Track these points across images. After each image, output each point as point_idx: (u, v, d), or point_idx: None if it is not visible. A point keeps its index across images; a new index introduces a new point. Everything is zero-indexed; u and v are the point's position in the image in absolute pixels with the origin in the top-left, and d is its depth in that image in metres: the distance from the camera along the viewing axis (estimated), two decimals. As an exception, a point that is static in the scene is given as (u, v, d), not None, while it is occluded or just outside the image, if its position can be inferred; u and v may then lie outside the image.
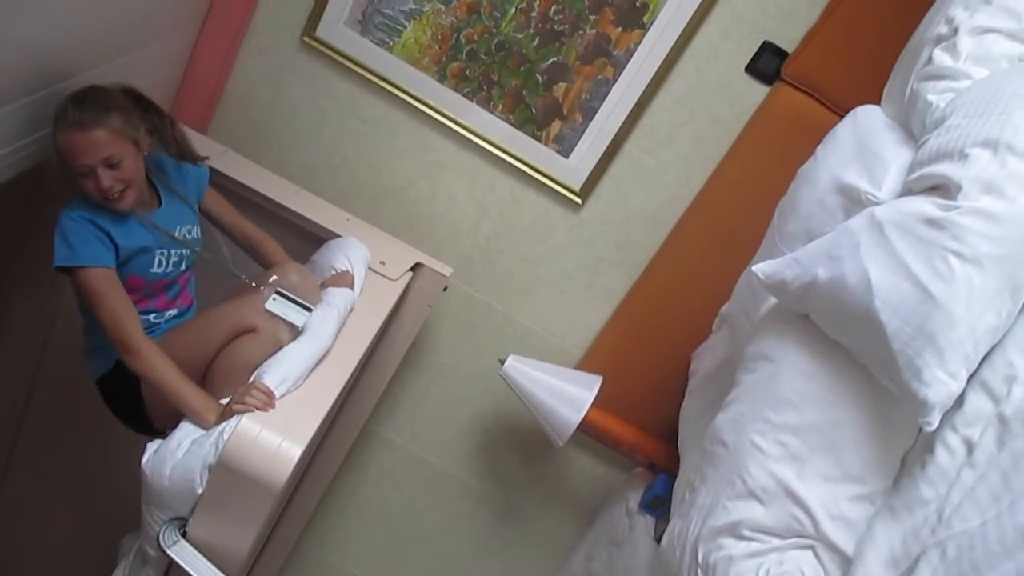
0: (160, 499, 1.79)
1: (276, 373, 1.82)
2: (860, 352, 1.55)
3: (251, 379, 1.82)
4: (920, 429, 1.51)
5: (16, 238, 2.43)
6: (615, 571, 2.44)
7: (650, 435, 2.57)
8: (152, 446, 1.81)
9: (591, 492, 2.79)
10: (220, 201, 2.11)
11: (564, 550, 2.79)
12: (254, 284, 1.99)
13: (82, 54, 1.89)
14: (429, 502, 2.89)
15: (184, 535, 1.82)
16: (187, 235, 1.99)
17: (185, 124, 2.32)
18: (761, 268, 1.71)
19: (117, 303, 1.79)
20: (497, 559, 2.92)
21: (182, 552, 1.80)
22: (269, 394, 1.78)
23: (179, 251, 1.97)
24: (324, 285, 2.06)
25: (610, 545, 2.55)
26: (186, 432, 1.79)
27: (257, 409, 1.75)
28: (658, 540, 2.27)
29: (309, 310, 1.95)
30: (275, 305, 1.94)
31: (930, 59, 1.70)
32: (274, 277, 1.96)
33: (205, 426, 1.78)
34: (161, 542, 1.79)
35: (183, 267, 1.99)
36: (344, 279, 2.09)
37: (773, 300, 1.80)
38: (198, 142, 2.29)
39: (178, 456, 1.76)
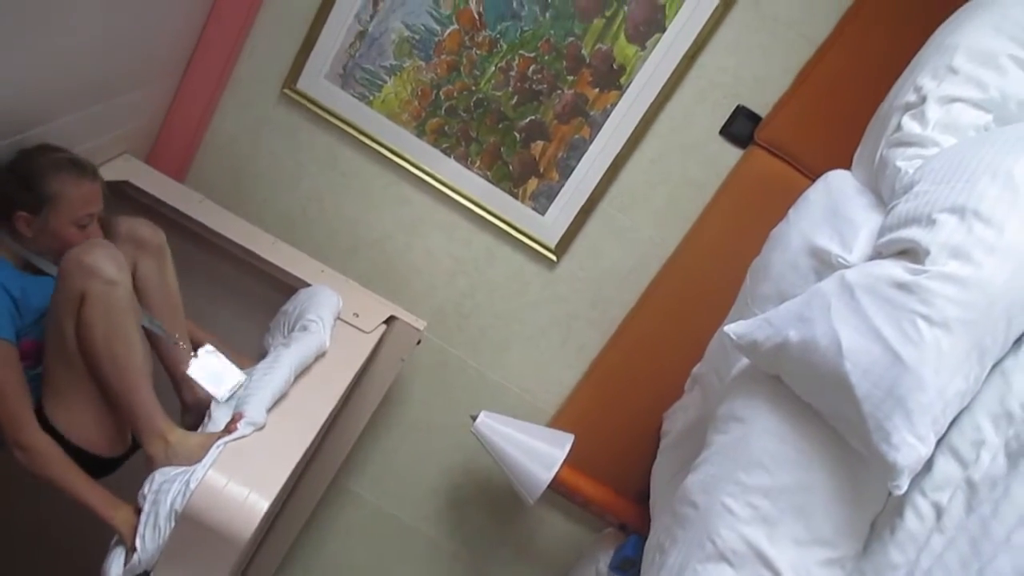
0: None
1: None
2: (831, 414, 1.55)
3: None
4: (890, 493, 1.51)
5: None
6: (584, 633, 2.40)
7: (621, 495, 2.55)
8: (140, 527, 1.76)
9: (561, 551, 2.76)
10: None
11: (534, 611, 2.76)
12: (178, 343, 1.97)
13: (61, 99, 1.90)
14: (397, 559, 2.84)
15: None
16: None
17: (163, 172, 2.34)
18: (733, 329, 1.72)
19: (13, 386, 1.71)
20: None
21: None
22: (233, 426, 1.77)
23: None
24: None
25: (580, 606, 2.52)
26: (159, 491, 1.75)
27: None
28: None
29: (237, 378, 1.91)
30: (199, 365, 1.91)
31: (899, 126, 1.74)
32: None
33: (112, 523, 1.72)
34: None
35: None
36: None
37: (745, 361, 1.81)
38: (175, 191, 2.31)
39: (154, 522, 1.72)
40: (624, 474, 2.55)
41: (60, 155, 1.78)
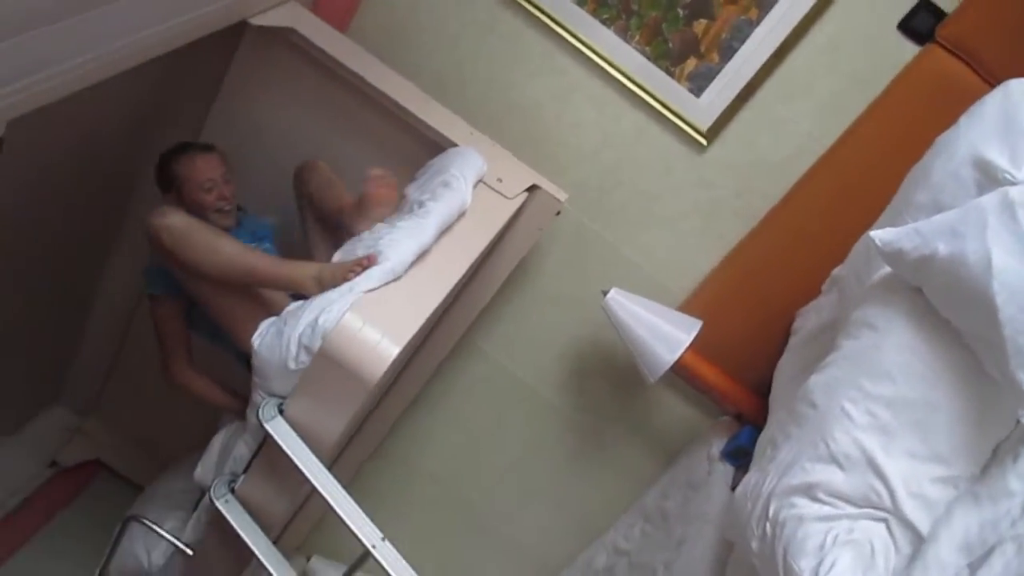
0: (262, 373, 1.90)
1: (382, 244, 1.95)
2: (969, 334, 1.50)
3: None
4: (1018, 421, 1.46)
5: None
6: (687, 513, 2.46)
7: (742, 386, 2.55)
8: (265, 322, 1.92)
9: (676, 432, 2.80)
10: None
11: (641, 484, 2.82)
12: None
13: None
14: (516, 418, 2.95)
15: (282, 413, 1.93)
16: (262, 235, 2.36)
17: (327, 21, 2.38)
18: (879, 235, 1.67)
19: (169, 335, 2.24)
20: (575, 482, 2.98)
21: (278, 427, 1.91)
22: (369, 260, 1.90)
23: (261, 244, 2.28)
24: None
25: (686, 487, 2.57)
26: (290, 312, 1.88)
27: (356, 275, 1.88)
28: (734, 490, 2.28)
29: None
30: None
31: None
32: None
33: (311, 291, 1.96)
34: (260, 415, 1.90)
35: None
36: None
37: (887, 269, 1.75)
38: (337, 41, 2.35)
39: (275, 333, 1.86)
40: (747, 365, 2.55)
41: (178, 146, 2.25)
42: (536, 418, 2.92)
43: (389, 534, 1.89)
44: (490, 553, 3.17)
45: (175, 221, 1.99)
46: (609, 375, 2.80)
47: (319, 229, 2.35)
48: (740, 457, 2.41)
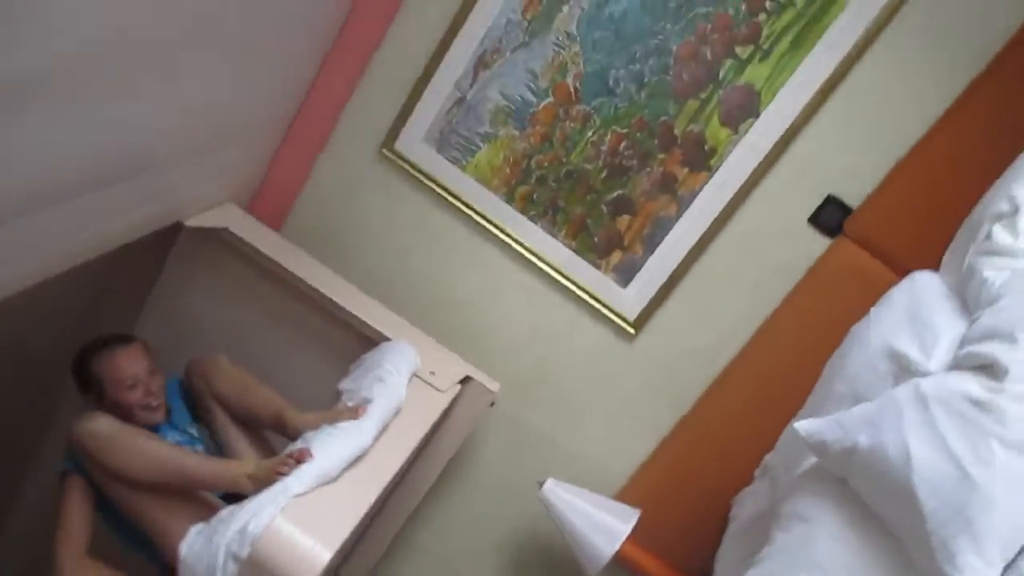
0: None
1: (319, 448, 1.90)
2: (895, 525, 1.52)
3: (293, 448, 1.91)
4: (949, 615, 1.46)
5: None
6: None
7: (682, 575, 2.51)
8: (194, 529, 1.86)
9: (618, 627, 2.72)
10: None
11: None
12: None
13: (175, 147, 2.01)
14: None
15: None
16: (195, 432, 2.25)
17: (261, 221, 2.44)
18: (803, 426, 1.70)
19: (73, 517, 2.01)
20: None
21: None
22: (303, 453, 1.86)
23: (192, 447, 2.20)
24: (335, 415, 2.08)
25: None
26: (218, 519, 1.83)
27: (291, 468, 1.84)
28: None
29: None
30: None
31: (989, 235, 1.71)
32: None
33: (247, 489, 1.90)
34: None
35: None
36: (357, 410, 2.08)
37: (815, 458, 1.78)
38: (270, 240, 2.41)
39: (204, 541, 1.80)
40: (688, 554, 2.51)
41: (95, 341, 2.15)
42: (476, 614, 2.82)
43: None
44: None
45: (100, 426, 1.93)
46: (549, 566, 2.74)
47: (233, 425, 2.25)
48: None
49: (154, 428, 2.14)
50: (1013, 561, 1.42)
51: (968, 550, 1.37)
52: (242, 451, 2.21)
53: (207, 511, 1.98)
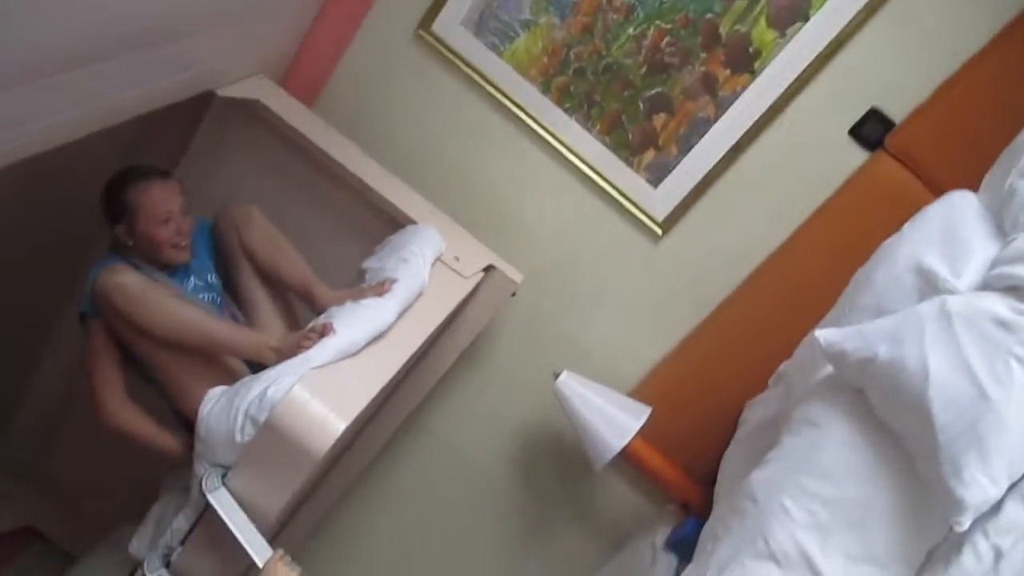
0: (207, 445, 1.87)
1: (342, 323, 1.92)
2: (906, 437, 1.53)
3: (316, 322, 1.93)
4: (951, 528, 1.49)
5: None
6: (629, 602, 2.44)
7: (689, 476, 2.56)
8: (214, 391, 1.91)
9: (621, 519, 2.79)
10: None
11: (584, 570, 2.80)
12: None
13: (204, 14, 1.97)
14: (462, 496, 2.92)
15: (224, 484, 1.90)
16: (213, 280, 2.22)
17: (293, 96, 2.42)
18: (823, 335, 1.70)
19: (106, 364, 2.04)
20: (518, 567, 2.94)
21: (220, 498, 1.88)
22: (325, 328, 1.88)
23: (210, 295, 2.17)
24: (361, 292, 2.10)
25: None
26: (240, 383, 1.87)
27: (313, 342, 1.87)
28: (678, 581, 2.27)
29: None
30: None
31: (1033, 157, 1.67)
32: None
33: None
34: (203, 486, 1.87)
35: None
36: (382, 287, 2.10)
37: (830, 368, 1.79)
38: (302, 115, 2.38)
39: (224, 404, 1.84)
40: (695, 455, 2.55)
41: (133, 170, 2.07)
42: (483, 499, 2.90)
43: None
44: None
45: (129, 281, 1.92)
46: (557, 458, 2.79)
47: (258, 283, 2.25)
48: (684, 548, 2.40)
49: (176, 269, 2.12)
50: (1018, 482, 1.44)
51: (976, 466, 1.38)
52: (266, 314, 2.22)
53: (228, 376, 2.03)
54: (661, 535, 2.51)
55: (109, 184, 2.06)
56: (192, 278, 2.17)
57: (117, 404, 2.05)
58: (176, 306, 1.96)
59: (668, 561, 2.42)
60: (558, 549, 2.89)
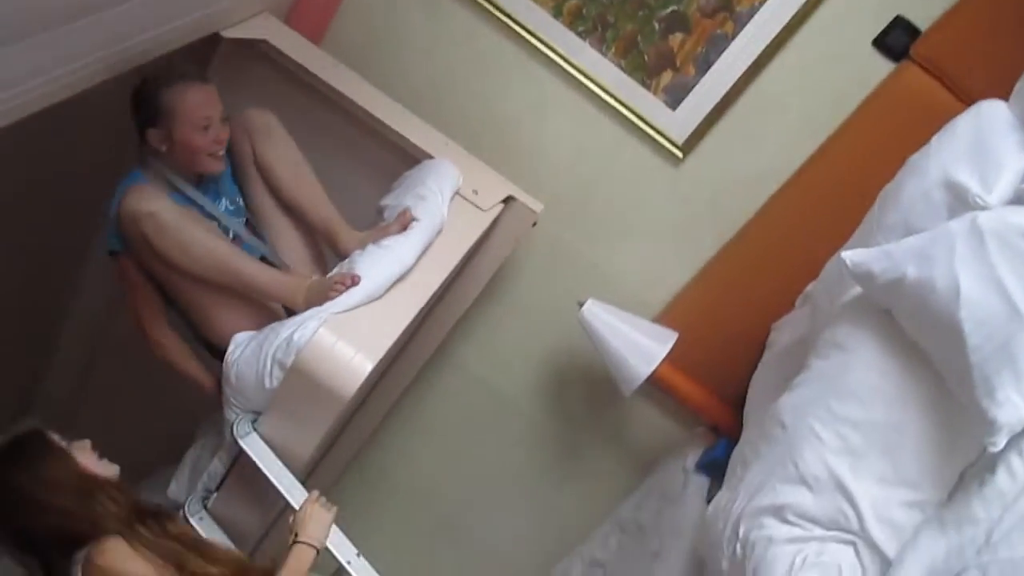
0: (236, 389, 1.89)
1: (363, 268, 1.91)
2: (937, 358, 1.51)
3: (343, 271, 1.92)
4: (984, 448, 1.47)
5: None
6: (662, 525, 2.46)
7: (717, 398, 2.56)
8: (239, 336, 1.91)
9: (651, 443, 2.81)
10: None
11: (616, 495, 2.82)
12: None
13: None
14: (492, 429, 2.95)
15: (255, 428, 1.92)
16: (240, 203, 2.14)
17: (301, 33, 2.37)
18: (850, 256, 1.67)
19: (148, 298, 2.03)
20: (551, 493, 2.98)
21: (252, 443, 1.91)
22: (353, 277, 1.87)
23: (239, 219, 2.11)
24: (383, 232, 2.07)
25: (661, 499, 2.57)
26: (267, 330, 1.88)
27: (340, 292, 1.86)
28: (710, 501, 2.28)
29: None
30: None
31: (1064, 63, 1.61)
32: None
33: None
34: (235, 431, 1.90)
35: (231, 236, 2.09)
36: (403, 219, 2.08)
37: (858, 289, 1.76)
38: (310, 53, 2.34)
39: (252, 350, 1.85)
40: (723, 378, 2.55)
41: (171, 71, 1.93)
42: (512, 429, 2.92)
43: (366, 547, 1.89)
44: (466, 564, 3.16)
45: (162, 211, 1.84)
46: (585, 386, 2.80)
47: (275, 207, 2.16)
48: (714, 471, 2.42)
49: (208, 187, 2.05)
50: (1052, 399, 1.41)
51: (1009, 385, 1.36)
52: (289, 244, 2.17)
53: (256, 310, 2.02)
54: (692, 457, 2.53)
55: (144, 85, 1.91)
56: (223, 200, 2.09)
57: (164, 336, 2.08)
58: (209, 241, 1.91)
59: (699, 482, 2.43)
60: (590, 474, 2.92)
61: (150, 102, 1.90)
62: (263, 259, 2.10)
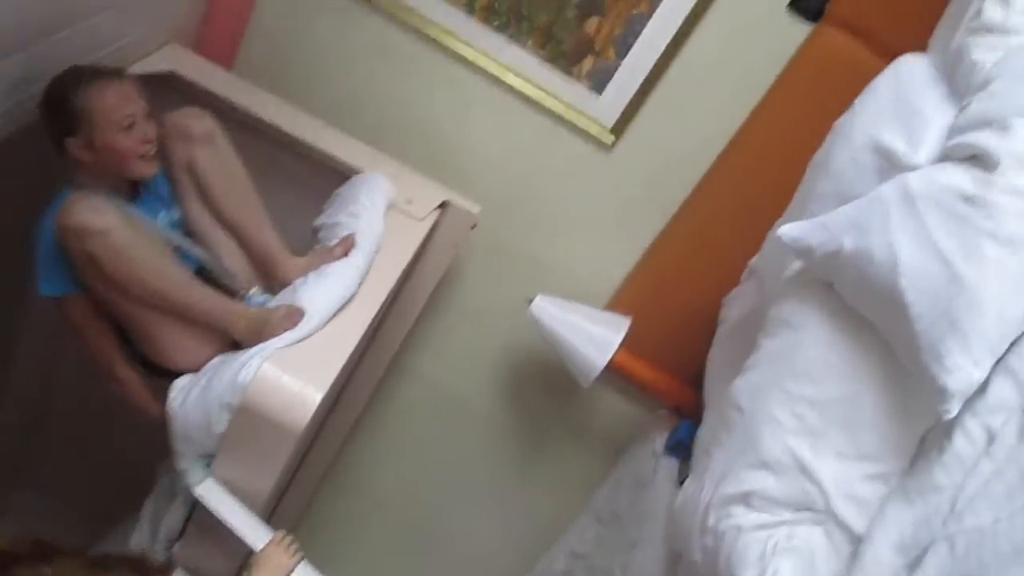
0: (184, 437, 1.84)
1: (307, 300, 1.87)
2: (883, 329, 1.50)
3: (280, 303, 1.88)
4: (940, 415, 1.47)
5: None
6: (637, 512, 2.45)
7: (677, 379, 2.55)
8: (179, 383, 1.86)
9: (617, 430, 2.79)
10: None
11: (590, 485, 2.81)
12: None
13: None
14: (458, 432, 2.92)
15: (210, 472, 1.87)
16: (177, 215, 2.01)
17: (211, 60, 2.30)
18: (786, 231, 1.65)
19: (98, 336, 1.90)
20: (524, 491, 2.96)
21: (207, 489, 1.86)
22: (298, 313, 1.82)
23: (175, 231, 1.99)
24: (324, 256, 2.03)
25: (635, 485, 2.56)
26: (208, 372, 1.82)
27: (286, 330, 1.80)
28: (681, 483, 2.27)
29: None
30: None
31: (980, 11, 1.59)
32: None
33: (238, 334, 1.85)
34: (188, 480, 1.85)
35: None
36: (346, 244, 2.03)
37: (800, 263, 1.74)
38: (222, 79, 2.27)
39: (196, 395, 1.80)
40: (680, 358, 2.54)
41: (79, 70, 1.75)
42: (478, 432, 2.90)
43: (345, 569, 1.86)
44: (449, 571, 3.14)
45: (113, 228, 1.67)
46: (544, 381, 2.78)
47: (212, 221, 2.02)
48: (682, 451, 2.41)
49: (144, 198, 1.91)
50: (1002, 358, 1.41)
51: (956, 351, 1.35)
52: (232, 262, 2.06)
53: (200, 332, 1.91)
54: (659, 441, 2.52)
55: (53, 89, 1.74)
56: (162, 212, 1.95)
57: (124, 374, 1.95)
58: (159, 270, 1.78)
59: (669, 464, 2.42)
60: (561, 468, 2.91)
61: (63, 109, 1.72)
62: (199, 271, 2.01)
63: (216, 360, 1.85)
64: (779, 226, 1.68)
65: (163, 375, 1.93)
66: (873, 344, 1.53)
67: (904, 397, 1.50)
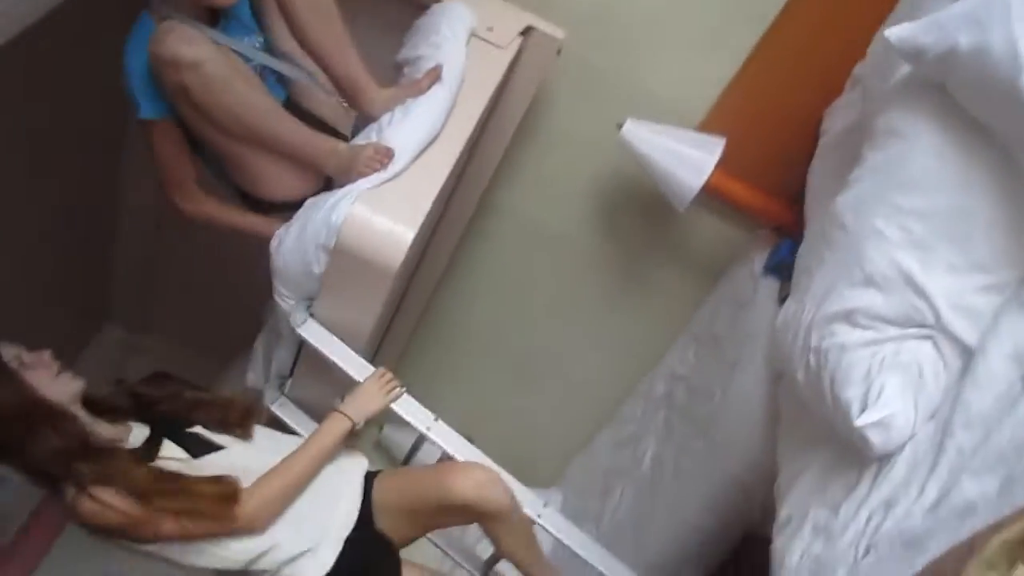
0: (285, 279, 1.88)
1: (394, 138, 1.85)
2: (1000, 130, 1.39)
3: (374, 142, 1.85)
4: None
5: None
6: (737, 333, 2.44)
7: (775, 198, 2.47)
8: (280, 231, 1.89)
9: (715, 253, 2.75)
10: None
11: (689, 308, 2.81)
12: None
13: None
14: (551, 266, 2.93)
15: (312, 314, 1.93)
16: (263, 42, 1.97)
17: None
18: (895, 33, 1.52)
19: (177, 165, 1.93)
20: (621, 317, 2.98)
21: (310, 330, 1.92)
22: (387, 153, 1.81)
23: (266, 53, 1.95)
24: (411, 90, 1.97)
25: (734, 306, 2.54)
26: (303, 215, 1.84)
27: (376, 171, 1.80)
28: (782, 302, 2.24)
29: None
30: None
31: None
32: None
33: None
34: (292, 322, 1.91)
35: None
36: (432, 75, 1.98)
37: (908, 67, 1.62)
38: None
39: (293, 238, 1.82)
40: (779, 176, 2.46)
41: None
42: (572, 262, 2.90)
43: (445, 406, 1.91)
44: (550, 402, 3.22)
45: (208, 60, 1.65)
46: (638, 207, 2.73)
47: (296, 46, 1.96)
48: (783, 271, 2.36)
49: (230, 24, 1.88)
50: None
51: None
52: (321, 101, 2.06)
53: (301, 170, 1.95)
54: (759, 261, 2.48)
55: None
56: (247, 38, 1.91)
57: (194, 202, 1.99)
58: (254, 100, 1.77)
59: (769, 284, 2.39)
60: (658, 294, 2.90)
61: None
62: (287, 102, 1.99)
63: (309, 202, 1.87)
64: (887, 28, 1.55)
65: (261, 208, 1.98)
66: (987, 151, 1.43)
67: (1020, 205, 1.41)
